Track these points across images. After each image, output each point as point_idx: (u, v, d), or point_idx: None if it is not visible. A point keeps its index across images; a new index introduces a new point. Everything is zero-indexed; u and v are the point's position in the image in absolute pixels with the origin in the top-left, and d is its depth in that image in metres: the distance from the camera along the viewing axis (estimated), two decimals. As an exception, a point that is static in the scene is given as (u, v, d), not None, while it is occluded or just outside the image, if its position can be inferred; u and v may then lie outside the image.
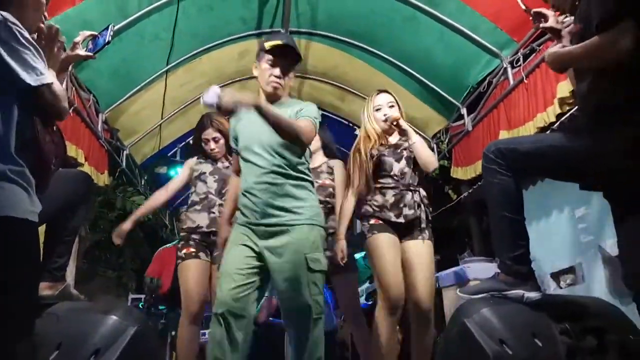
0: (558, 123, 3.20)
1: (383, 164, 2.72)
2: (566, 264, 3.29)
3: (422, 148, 2.70)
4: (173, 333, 3.28)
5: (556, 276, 3.35)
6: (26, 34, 1.39)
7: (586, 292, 3.02)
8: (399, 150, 2.75)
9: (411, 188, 2.68)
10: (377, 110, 2.84)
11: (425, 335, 2.54)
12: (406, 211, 2.62)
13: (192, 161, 3.12)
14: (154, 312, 3.31)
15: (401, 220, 2.61)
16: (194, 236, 2.90)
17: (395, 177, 2.70)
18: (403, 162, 2.72)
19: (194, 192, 3.02)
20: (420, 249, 2.60)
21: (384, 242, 2.58)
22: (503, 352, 1.61)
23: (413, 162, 2.74)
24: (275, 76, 2.07)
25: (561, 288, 3.25)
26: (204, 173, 3.01)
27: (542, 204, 3.54)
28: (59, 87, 1.47)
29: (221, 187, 2.96)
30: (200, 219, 2.90)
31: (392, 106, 2.82)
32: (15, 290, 1.33)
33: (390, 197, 2.66)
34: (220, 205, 2.91)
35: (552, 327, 1.70)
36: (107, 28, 1.81)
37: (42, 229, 1.78)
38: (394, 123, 2.71)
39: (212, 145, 3.02)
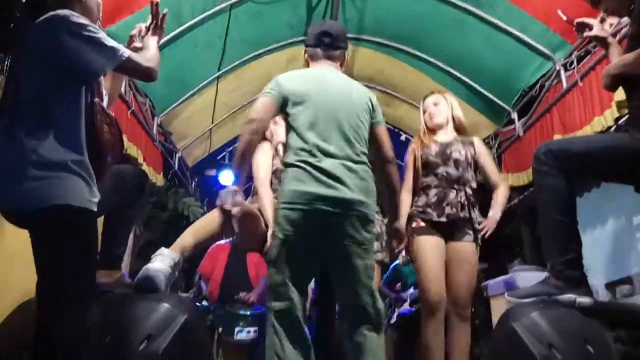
0: (615, 127, 3.07)
1: (429, 163, 2.71)
2: (623, 274, 3.14)
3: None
4: (220, 330, 3.35)
5: (611, 286, 3.20)
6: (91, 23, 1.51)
7: (645, 304, 2.86)
8: (448, 151, 2.71)
9: (455, 187, 2.62)
10: (424, 112, 2.90)
11: (462, 334, 2.52)
12: (448, 210, 2.58)
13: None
14: (202, 309, 3.40)
15: (443, 219, 2.58)
16: None
17: (439, 176, 2.66)
18: (451, 163, 2.67)
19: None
20: (463, 251, 2.57)
21: (427, 246, 2.57)
22: (552, 356, 1.55)
23: (464, 164, 2.68)
24: None
25: (617, 299, 3.10)
26: None
27: (597, 211, 3.39)
28: (138, 55, 1.63)
29: None
30: None
31: (436, 104, 2.85)
32: (74, 275, 1.41)
33: (432, 196, 2.63)
34: None
35: (605, 334, 1.63)
36: None
37: (100, 220, 1.88)
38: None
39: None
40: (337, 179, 1.78)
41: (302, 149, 1.83)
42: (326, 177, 1.78)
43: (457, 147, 2.72)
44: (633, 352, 1.60)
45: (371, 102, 2.01)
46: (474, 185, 2.70)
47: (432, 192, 2.64)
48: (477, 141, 2.84)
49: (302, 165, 1.81)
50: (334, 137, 1.85)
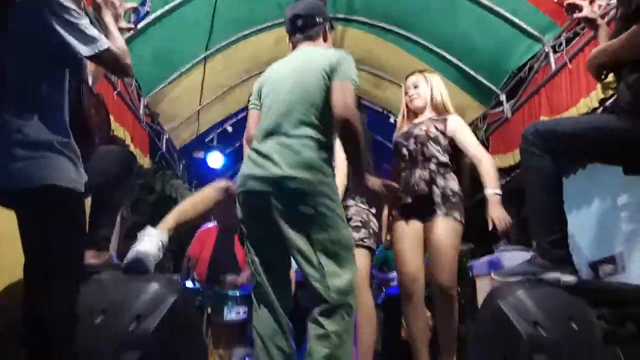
0: (602, 109, 3.10)
1: (396, 143, 2.73)
2: (606, 254, 3.19)
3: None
4: (209, 310, 3.36)
5: (595, 266, 3.26)
6: (76, 7, 1.47)
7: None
8: (413, 129, 2.68)
9: (419, 165, 2.59)
10: (405, 94, 2.86)
11: (449, 315, 2.51)
12: (413, 189, 2.55)
13: None
14: (191, 289, 3.40)
15: (410, 200, 2.55)
16: None
17: (406, 158, 2.65)
18: (411, 140, 2.65)
19: None
20: (436, 230, 2.49)
21: (400, 231, 2.60)
22: (537, 334, 1.59)
23: (424, 138, 2.60)
24: None
25: (600, 278, 3.16)
26: None
27: (583, 192, 3.43)
28: (117, 47, 1.56)
29: None
30: None
31: (416, 86, 2.80)
32: (61, 254, 1.41)
33: (402, 179, 2.62)
34: None
35: (589, 312, 1.67)
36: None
37: (87, 202, 1.86)
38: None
39: None
40: (266, 157, 1.78)
41: (255, 137, 1.91)
42: (259, 157, 1.81)
43: (424, 124, 2.67)
44: (616, 330, 1.63)
45: (330, 62, 1.82)
46: (442, 159, 2.58)
47: (402, 175, 2.64)
48: (452, 117, 2.69)
49: (250, 151, 1.89)
50: (278, 115, 1.84)
